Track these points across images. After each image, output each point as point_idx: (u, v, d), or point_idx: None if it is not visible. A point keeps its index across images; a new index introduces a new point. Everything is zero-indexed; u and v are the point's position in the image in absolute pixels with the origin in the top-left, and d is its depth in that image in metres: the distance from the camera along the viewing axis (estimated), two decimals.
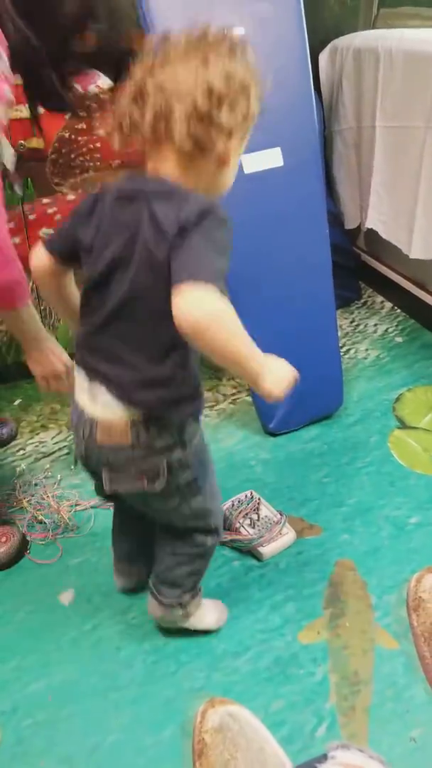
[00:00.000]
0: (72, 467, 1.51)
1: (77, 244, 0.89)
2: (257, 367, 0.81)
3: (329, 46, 2.16)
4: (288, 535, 1.34)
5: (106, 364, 0.87)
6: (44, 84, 1.11)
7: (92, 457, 0.94)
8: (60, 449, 1.66)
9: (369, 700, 1.05)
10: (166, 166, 0.84)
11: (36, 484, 1.53)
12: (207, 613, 1.16)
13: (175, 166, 0.83)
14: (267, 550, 1.31)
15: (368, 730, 1.01)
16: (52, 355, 1.22)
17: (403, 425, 1.71)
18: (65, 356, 1.24)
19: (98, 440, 0.90)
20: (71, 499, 1.48)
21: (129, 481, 0.93)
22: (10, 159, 1.16)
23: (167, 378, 0.86)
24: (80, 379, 0.92)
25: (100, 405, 0.88)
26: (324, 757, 0.90)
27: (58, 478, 1.55)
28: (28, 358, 1.24)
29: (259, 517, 1.37)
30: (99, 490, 1.04)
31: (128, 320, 0.84)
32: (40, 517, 1.43)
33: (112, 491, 0.95)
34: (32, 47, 1.03)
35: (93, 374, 0.89)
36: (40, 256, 0.94)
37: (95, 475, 0.98)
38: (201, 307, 0.71)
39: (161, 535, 1.09)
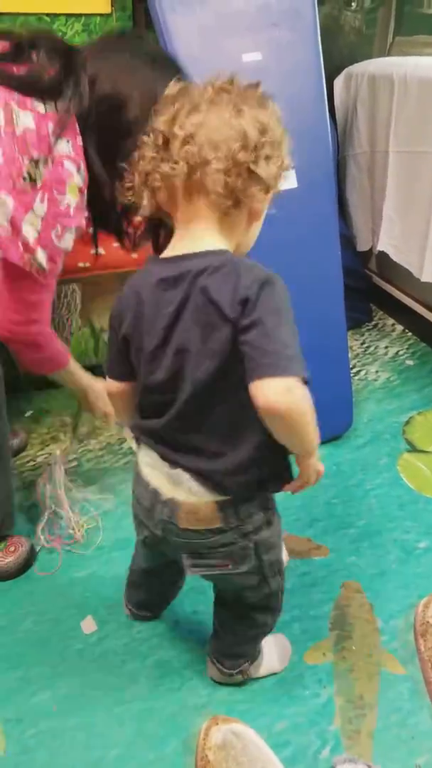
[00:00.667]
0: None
1: (128, 354, 0.85)
2: (314, 446, 0.81)
3: (344, 72, 2.19)
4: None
5: (186, 456, 0.83)
6: (110, 223, 1.13)
7: (170, 541, 0.89)
8: (70, 461, 1.67)
9: (374, 724, 1.05)
10: (200, 222, 0.79)
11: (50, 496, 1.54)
12: (269, 657, 1.12)
13: (209, 222, 0.79)
14: None
15: (372, 755, 1.00)
16: (97, 401, 1.41)
17: (412, 448, 1.71)
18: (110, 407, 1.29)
19: (182, 525, 0.85)
20: (80, 512, 1.48)
21: (213, 566, 0.89)
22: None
23: (252, 461, 0.81)
24: (151, 459, 0.87)
25: (185, 490, 0.84)
26: None
27: (70, 488, 1.56)
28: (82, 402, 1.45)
29: None
30: (151, 547, 1.01)
31: (198, 413, 0.80)
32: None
33: (192, 574, 0.92)
34: (101, 184, 1.06)
35: (173, 463, 0.84)
36: (109, 386, 0.93)
37: (155, 544, 0.95)
38: (284, 399, 0.71)
39: (221, 613, 1.06)
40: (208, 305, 0.74)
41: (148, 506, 0.88)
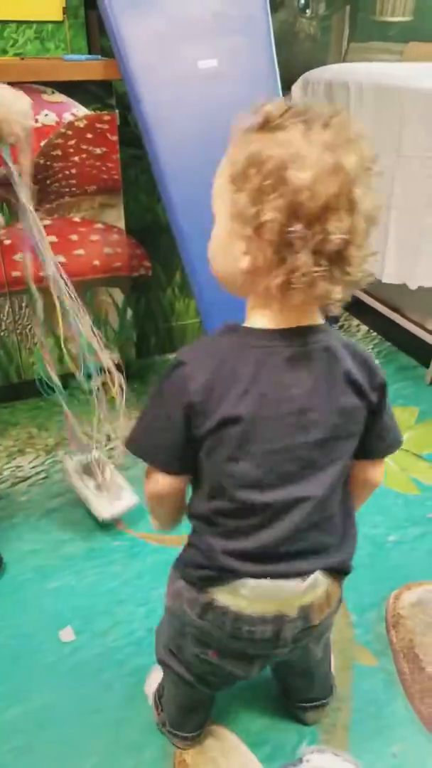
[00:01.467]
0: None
1: (197, 443, 0.71)
2: None
3: (301, 79, 2.23)
4: None
5: (312, 558, 0.74)
6: None
7: (287, 645, 0.78)
8: (37, 473, 1.65)
9: (349, 717, 1.05)
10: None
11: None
12: None
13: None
14: None
15: (349, 747, 1.01)
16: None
17: None
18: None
19: (317, 621, 0.77)
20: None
21: (330, 624, 0.87)
22: None
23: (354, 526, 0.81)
24: (261, 588, 0.73)
25: (310, 588, 0.75)
26: (299, 761, 0.94)
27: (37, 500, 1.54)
28: None
29: None
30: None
31: (330, 504, 0.73)
32: None
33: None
34: None
35: (304, 574, 0.74)
36: (163, 485, 0.75)
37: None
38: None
39: (314, 664, 0.96)
40: (348, 389, 0.70)
41: (271, 636, 0.76)
